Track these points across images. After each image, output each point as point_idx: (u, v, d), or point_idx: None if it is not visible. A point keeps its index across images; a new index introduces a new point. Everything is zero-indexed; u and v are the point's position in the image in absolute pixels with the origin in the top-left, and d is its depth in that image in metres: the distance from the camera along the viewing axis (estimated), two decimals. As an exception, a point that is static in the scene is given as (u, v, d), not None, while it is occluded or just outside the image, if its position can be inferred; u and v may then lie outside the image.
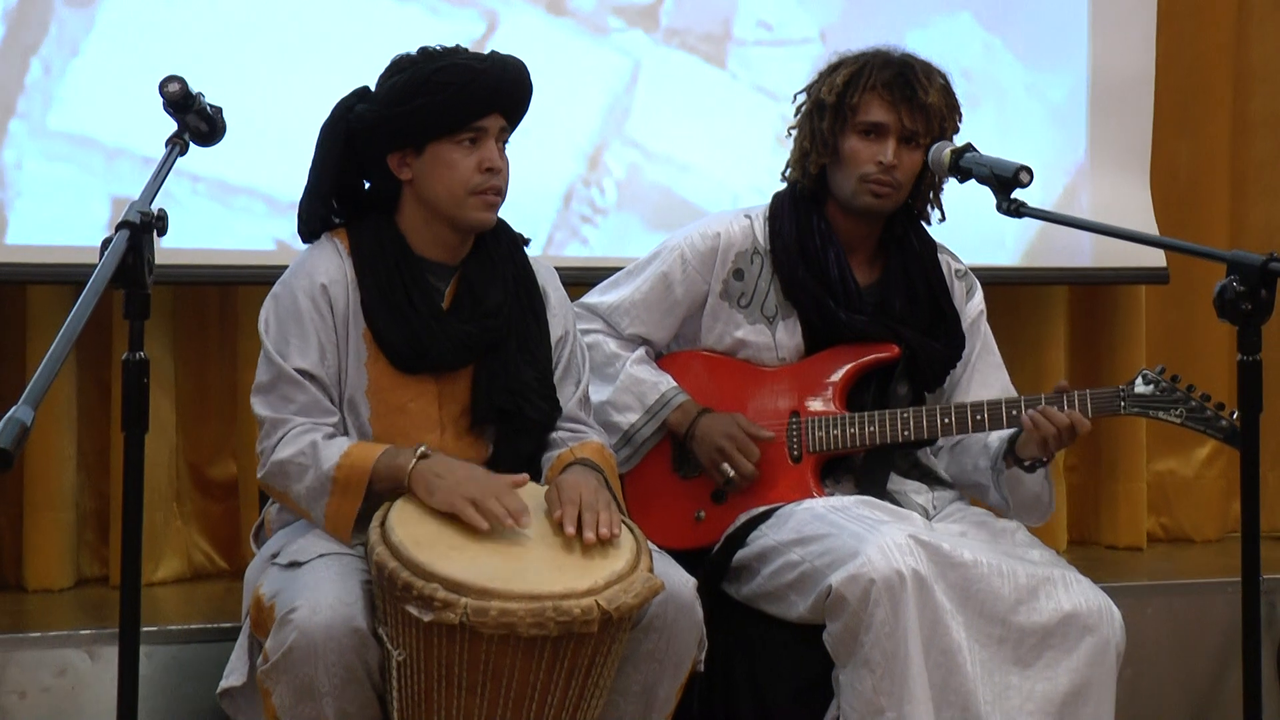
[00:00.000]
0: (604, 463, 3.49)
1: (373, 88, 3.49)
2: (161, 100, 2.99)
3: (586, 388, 3.67)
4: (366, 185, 3.55)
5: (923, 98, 3.76)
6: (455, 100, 3.39)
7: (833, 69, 3.88)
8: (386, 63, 3.50)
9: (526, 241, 3.63)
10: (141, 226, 2.71)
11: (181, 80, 3.00)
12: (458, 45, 3.48)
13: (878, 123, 3.78)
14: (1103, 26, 5.38)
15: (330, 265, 3.46)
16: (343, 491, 3.29)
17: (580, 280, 4.21)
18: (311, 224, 3.52)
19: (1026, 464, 3.75)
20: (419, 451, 3.29)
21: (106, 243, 2.68)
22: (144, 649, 2.91)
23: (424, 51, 3.46)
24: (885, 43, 3.91)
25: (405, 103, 3.39)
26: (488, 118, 3.43)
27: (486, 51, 3.49)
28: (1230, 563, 5.01)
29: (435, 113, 3.39)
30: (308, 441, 3.33)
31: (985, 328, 4.01)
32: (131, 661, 2.76)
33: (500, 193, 3.47)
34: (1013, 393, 3.93)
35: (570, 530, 3.21)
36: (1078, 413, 3.66)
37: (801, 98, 3.94)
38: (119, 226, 2.69)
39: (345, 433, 3.43)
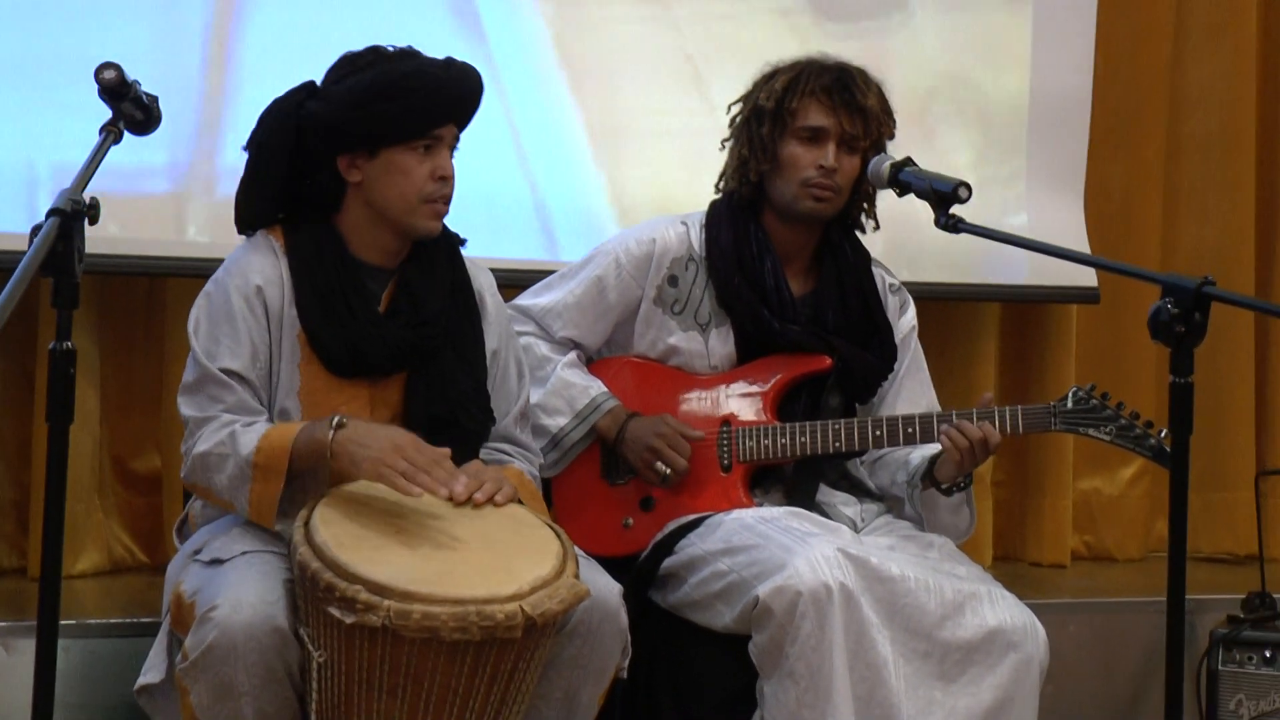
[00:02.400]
0: (522, 487, 3.45)
1: (319, 83, 3.44)
2: (96, 87, 2.96)
3: (525, 403, 3.65)
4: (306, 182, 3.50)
5: (861, 101, 3.78)
6: (418, 108, 3.35)
7: (769, 77, 3.88)
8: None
9: (463, 242, 3.60)
10: (72, 214, 2.68)
11: (117, 67, 2.97)
12: (410, 47, 3.44)
13: (818, 127, 3.78)
14: (1042, 46, 5.40)
15: (265, 265, 3.41)
16: (264, 476, 3.24)
17: (513, 283, 4.18)
18: (250, 219, 3.47)
19: (944, 487, 3.77)
20: (335, 421, 3.23)
21: (36, 229, 2.65)
22: (61, 643, 2.87)
23: (378, 52, 3.41)
24: (819, 51, 3.92)
25: (365, 106, 3.34)
26: (444, 126, 3.40)
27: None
28: (1152, 582, 5.06)
29: (396, 119, 3.35)
30: (226, 432, 3.29)
31: (916, 344, 4.02)
32: (49, 656, 2.72)
33: (449, 201, 3.44)
34: (938, 408, 3.95)
35: (457, 490, 3.20)
36: (988, 424, 3.68)
37: (736, 108, 3.94)
38: (49, 214, 2.67)
39: None
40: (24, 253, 2.61)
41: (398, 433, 3.26)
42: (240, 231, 3.49)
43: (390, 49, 3.42)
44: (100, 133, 2.96)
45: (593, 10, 4.95)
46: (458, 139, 3.46)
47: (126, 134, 3.02)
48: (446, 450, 3.27)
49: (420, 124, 3.37)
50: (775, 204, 3.85)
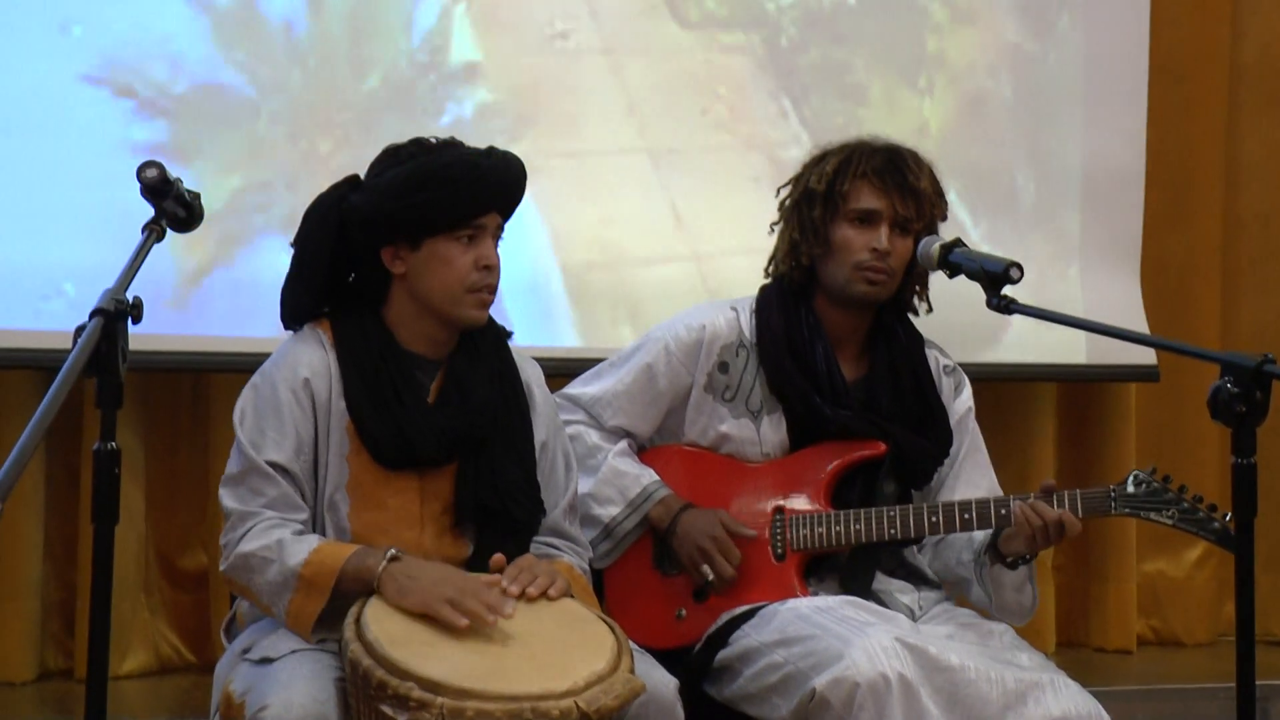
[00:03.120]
0: (574, 582, 3.45)
1: (362, 176, 3.46)
2: (139, 186, 2.98)
3: (574, 495, 3.65)
4: (351, 275, 3.52)
5: (914, 183, 3.79)
6: (460, 197, 3.37)
7: (818, 159, 3.89)
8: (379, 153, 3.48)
9: (509, 334, 3.61)
10: (115, 315, 2.70)
11: (159, 165, 2.99)
12: (452, 138, 3.47)
13: (870, 210, 3.78)
14: (1094, 120, 5.41)
15: (313, 358, 3.43)
16: (308, 590, 3.25)
17: (561, 371, 4.20)
18: (297, 313, 3.49)
19: (1009, 560, 3.74)
20: (389, 554, 3.25)
21: (80, 330, 2.67)
22: (109, 746, 2.87)
23: (420, 144, 3.44)
24: (868, 133, 3.94)
25: (408, 197, 3.36)
26: (487, 215, 3.42)
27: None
28: (1222, 667, 5.02)
29: (438, 209, 3.37)
30: (275, 538, 3.29)
31: (973, 425, 4.00)
32: (96, 760, 2.73)
33: (494, 291, 3.46)
34: (999, 492, 3.91)
35: (504, 584, 3.23)
36: (1068, 512, 3.64)
37: (785, 191, 3.95)
38: (93, 314, 2.69)
39: (321, 529, 3.39)
40: (67, 352, 2.63)
41: (449, 569, 3.29)
42: (287, 326, 3.51)
43: (433, 141, 3.45)
44: (143, 231, 2.98)
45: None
46: (502, 228, 3.47)
47: (169, 231, 3.05)
48: (497, 578, 3.28)
49: (462, 213, 3.39)
50: (827, 288, 3.85)
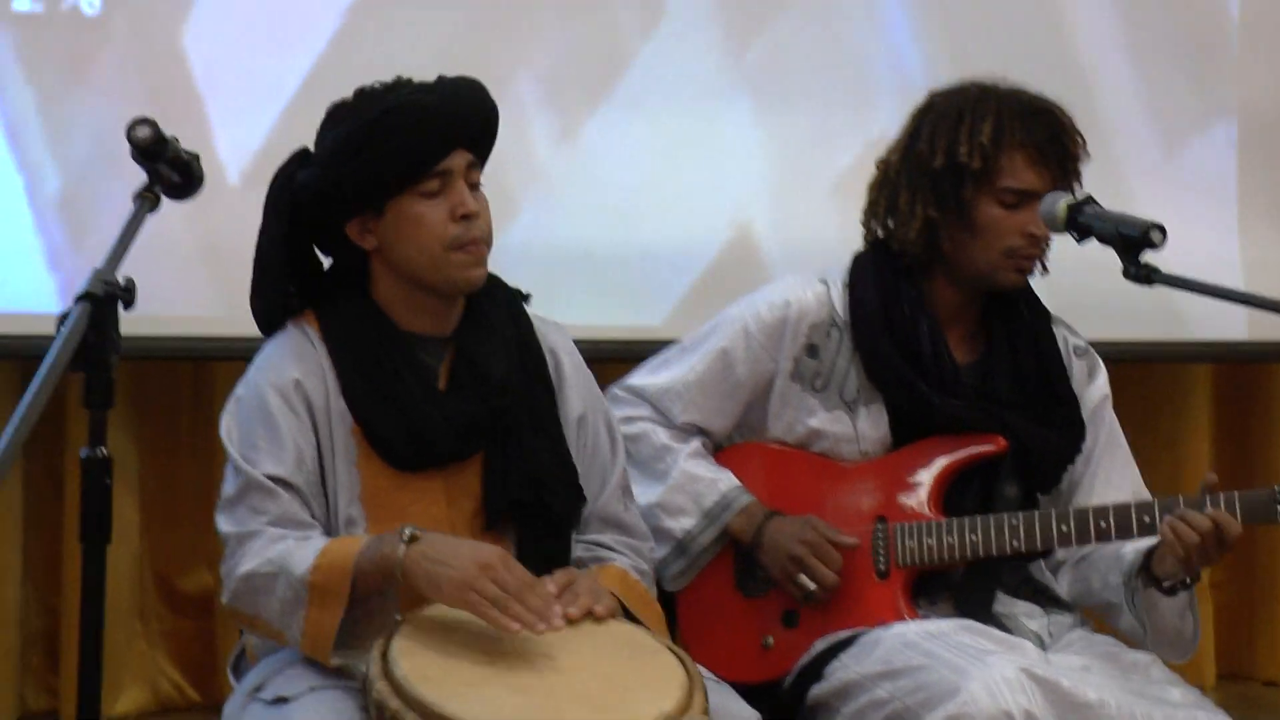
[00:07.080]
0: (627, 592, 3.46)
1: (313, 148, 3.46)
2: (129, 147, 3.01)
3: (624, 474, 3.65)
4: (327, 262, 3.53)
5: (1074, 152, 3.79)
6: (410, 144, 3.36)
7: (958, 120, 3.83)
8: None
9: (526, 298, 3.61)
10: (105, 299, 2.72)
11: (152, 123, 2.98)
12: (398, 77, 3.45)
13: (1029, 190, 3.77)
14: (1253, 51, 5.39)
15: (302, 356, 3.45)
16: (321, 599, 3.25)
17: (623, 355, 4.21)
18: (270, 315, 3.50)
19: (1166, 585, 3.73)
20: (406, 534, 3.23)
21: (64, 318, 2.69)
22: (101, 800, 2.92)
23: (361, 94, 3.43)
24: (992, 75, 3.89)
25: (351, 159, 3.36)
26: (451, 156, 3.40)
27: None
28: None
29: (389, 163, 3.36)
30: (277, 549, 3.30)
31: (1110, 416, 4.00)
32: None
33: (483, 241, 3.43)
34: (1145, 494, 3.92)
35: (552, 589, 3.25)
36: (1223, 511, 3.63)
37: (897, 156, 3.89)
38: (79, 298, 2.71)
39: None
40: (51, 340, 2.65)
41: (483, 549, 3.26)
42: (265, 333, 3.52)
43: (377, 86, 3.44)
44: (134, 200, 2.98)
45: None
46: (477, 167, 3.45)
47: (165, 199, 3.07)
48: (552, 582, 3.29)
49: (417, 161, 3.37)
50: (960, 269, 3.84)
